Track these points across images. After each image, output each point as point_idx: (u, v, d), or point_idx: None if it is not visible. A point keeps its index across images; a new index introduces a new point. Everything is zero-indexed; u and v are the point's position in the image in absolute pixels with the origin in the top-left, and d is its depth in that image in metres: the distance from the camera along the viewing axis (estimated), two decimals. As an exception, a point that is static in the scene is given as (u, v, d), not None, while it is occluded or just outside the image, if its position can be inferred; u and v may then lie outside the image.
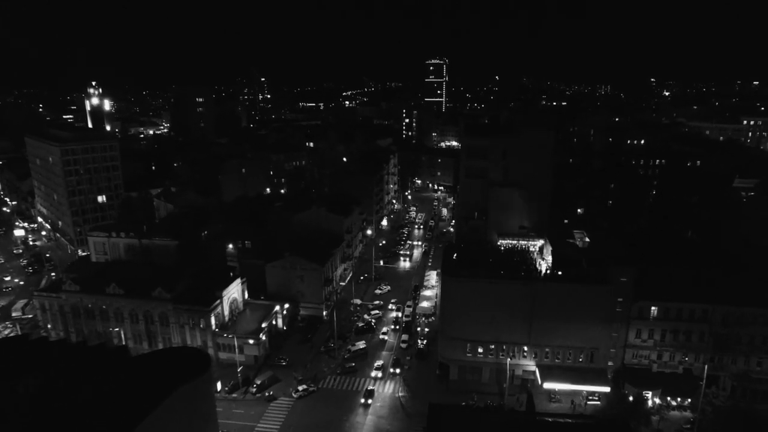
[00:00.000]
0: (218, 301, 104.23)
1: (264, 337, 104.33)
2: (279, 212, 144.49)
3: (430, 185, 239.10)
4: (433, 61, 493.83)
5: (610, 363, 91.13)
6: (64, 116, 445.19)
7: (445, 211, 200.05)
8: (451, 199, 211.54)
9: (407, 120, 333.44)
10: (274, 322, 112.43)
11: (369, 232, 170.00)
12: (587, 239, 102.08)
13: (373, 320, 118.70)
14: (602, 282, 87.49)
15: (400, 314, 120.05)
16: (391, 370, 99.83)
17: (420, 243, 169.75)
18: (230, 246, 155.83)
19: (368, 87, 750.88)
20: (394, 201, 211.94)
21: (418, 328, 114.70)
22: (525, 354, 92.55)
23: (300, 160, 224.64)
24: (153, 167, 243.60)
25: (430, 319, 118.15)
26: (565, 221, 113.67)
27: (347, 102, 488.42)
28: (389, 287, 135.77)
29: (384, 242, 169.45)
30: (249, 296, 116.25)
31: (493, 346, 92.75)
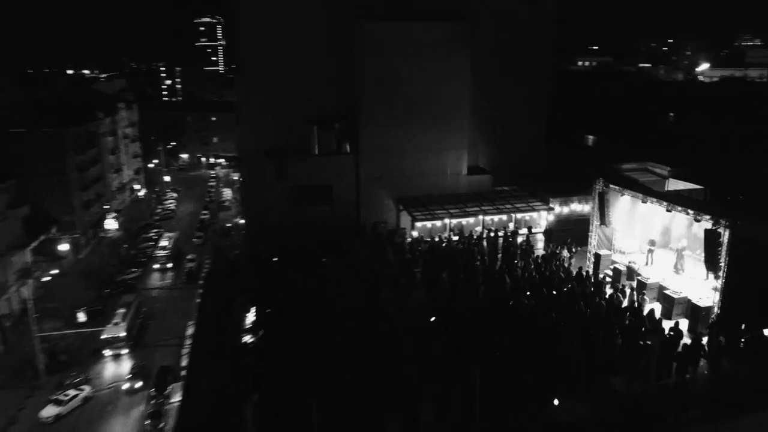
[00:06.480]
0: None
1: None
2: None
3: (204, 159, 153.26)
4: (203, 20, 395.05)
5: None
6: None
7: (228, 192, 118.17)
8: (237, 176, 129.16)
9: (169, 82, 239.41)
10: None
11: (64, 247, 79.89)
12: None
13: None
14: None
15: None
16: None
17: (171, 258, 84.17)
18: None
19: (129, 69, 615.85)
20: (137, 186, 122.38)
21: None
22: None
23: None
24: None
25: None
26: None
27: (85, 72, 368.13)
28: (88, 387, 50.74)
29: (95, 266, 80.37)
30: None
31: None
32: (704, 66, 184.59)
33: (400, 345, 19.61)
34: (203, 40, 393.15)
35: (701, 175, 36.41)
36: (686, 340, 21.19)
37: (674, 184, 36.65)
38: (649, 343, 18.91)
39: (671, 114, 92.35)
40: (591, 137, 78.31)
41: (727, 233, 22.34)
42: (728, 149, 54.51)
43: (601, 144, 71.84)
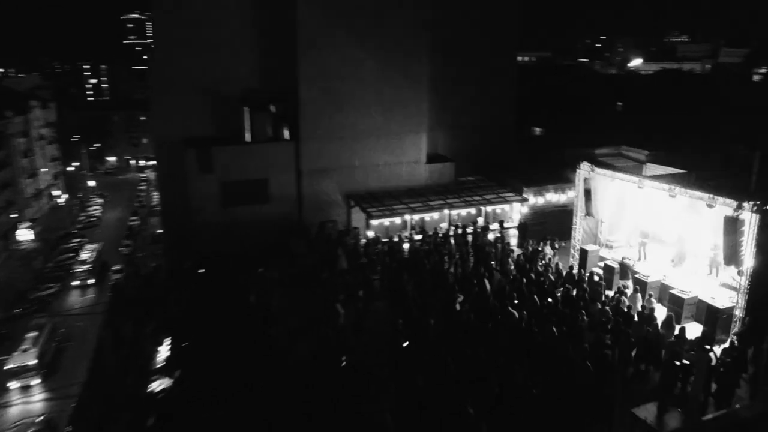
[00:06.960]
0: None
1: None
2: None
3: (133, 162, 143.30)
4: (131, 16, 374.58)
5: None
6: None
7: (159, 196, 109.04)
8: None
9: (95, 81, 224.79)
10: None
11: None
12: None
13: None
14: None
15: None
16: None
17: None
18: None
19: (51, 68, 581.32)
20: (56, 192, 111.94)
21: None
22: None
23: None
24: None
25: None
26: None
27: None
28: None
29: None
30: None
31: None
32: (637, 61, 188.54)
33: (365, 382, 14.61)
34: (132, 37, 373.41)
35: (681, 159, 33.21)
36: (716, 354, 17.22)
37: (653, 169, 33.25)
38: (687, 363, 14.81)
39: (619, 104, 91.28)
40: (537, 129, 75.43)
41: (755, 219, 18.61)
42: (689, 137, 52.48)
43: (552, 135, 68.97)
